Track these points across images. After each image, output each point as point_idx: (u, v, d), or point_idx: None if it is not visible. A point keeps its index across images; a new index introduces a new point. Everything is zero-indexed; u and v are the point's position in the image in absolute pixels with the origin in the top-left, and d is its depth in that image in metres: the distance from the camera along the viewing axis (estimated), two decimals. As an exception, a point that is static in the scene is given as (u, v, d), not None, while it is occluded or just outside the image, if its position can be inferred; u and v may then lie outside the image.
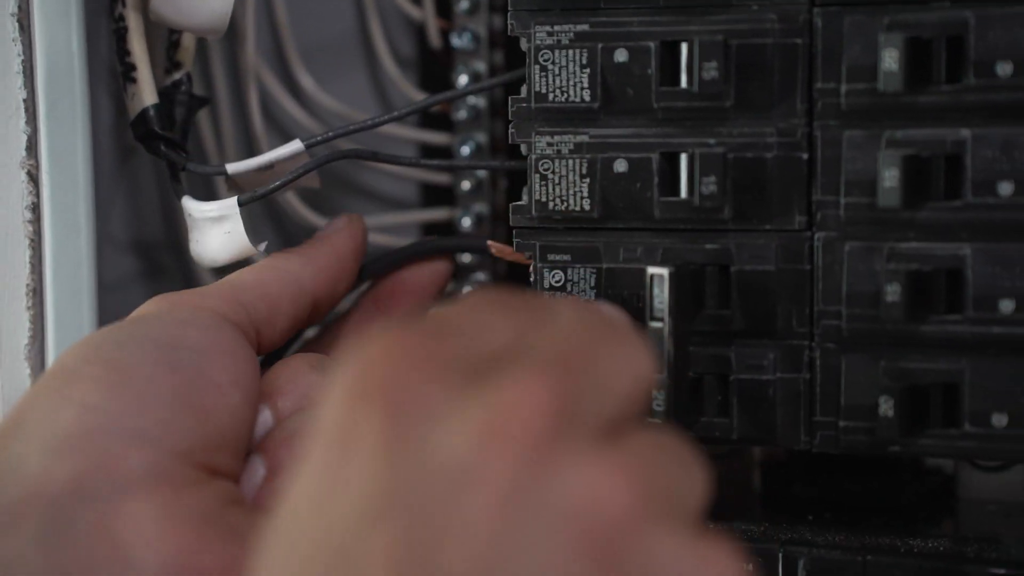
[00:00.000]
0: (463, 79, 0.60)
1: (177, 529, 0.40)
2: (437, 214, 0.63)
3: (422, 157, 0.63)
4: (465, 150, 0.60)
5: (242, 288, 0.49)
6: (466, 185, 0.61)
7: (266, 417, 0.46)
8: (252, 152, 0.63)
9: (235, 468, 0.44)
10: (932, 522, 0.53)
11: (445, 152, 0.62)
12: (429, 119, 0.63)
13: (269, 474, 0.44)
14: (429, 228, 0.64)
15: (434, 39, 0.62)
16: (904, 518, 0.53)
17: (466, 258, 0.61)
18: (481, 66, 0.60)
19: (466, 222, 0.61)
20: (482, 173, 0.61)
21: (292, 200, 0.61)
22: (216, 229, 0.51)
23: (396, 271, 0.55)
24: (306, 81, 0.63)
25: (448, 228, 0.62)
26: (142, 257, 0.61)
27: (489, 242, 0.53)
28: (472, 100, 0.60)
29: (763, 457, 0.60)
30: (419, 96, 0.62)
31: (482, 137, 0.61)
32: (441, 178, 0.62)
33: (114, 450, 0.40)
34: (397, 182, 0.65)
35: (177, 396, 0.42)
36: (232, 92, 0.63)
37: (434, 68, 0.63)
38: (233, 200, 0.51)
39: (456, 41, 0.60)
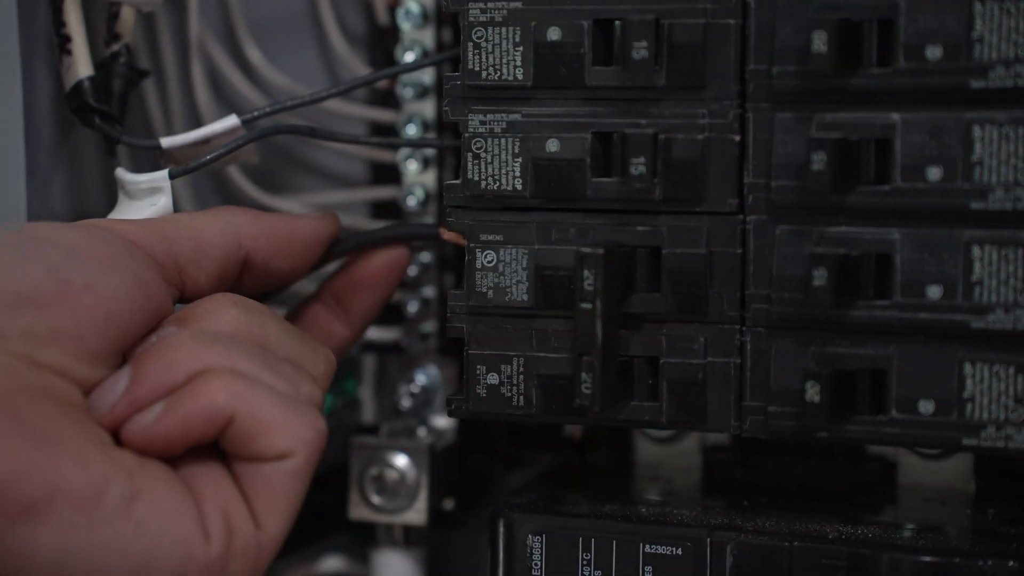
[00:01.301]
0: (408, 56, 0.60)
1: None
2: (383, 192, 0.62)
3: (371, 135, 0.62)
4: (411, 128, 0.60)
5: (171, 224, 0.48)
6: (412, 164, 0.60)
7: None
8: (198, 126, 0.62)
9: (75, 368, 0.43)
10: (871, 509, 0.53)
11: (392, 130, 0.61)
12: (377, 96, 0.62)
13: (132, 382, 0.43)
14: (376, 207, 0.63)
15: (381, 15, 0.61)
16: (843, 505, 0.53)
17: None
18: (428, 43, 0.60)
19: (411, 201, 0.60)
20: (429, 151, 0.60)
21: (236, 176, 0.61)
22: (146, 201, 0.51)
23: (351, 260, 0.55)
24: (254, 56, 0.63)
25: (395, 207, 0.62)
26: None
27: (441, 229, 0.53)
28: (418, 77, 0.60)
29: (707, 442, 0.59)
30: (367, 72, 0.62)
31: (428, 115, 0.60)
32: (388, 156, 0.62)
33: None
34: (344, 160, 0.64)
35: (7, 285, 0.42)
36: (179, 65, 0.63)
37: (384, 45, 0.62)
38: (164, 173, 0.51)
39: (402, 17, 0.60)
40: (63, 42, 0.53)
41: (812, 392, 0.46)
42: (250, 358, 0.45)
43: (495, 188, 0.49)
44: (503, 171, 0.49)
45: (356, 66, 0.62)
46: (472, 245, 0.50)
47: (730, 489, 0.56)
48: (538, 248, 0.49)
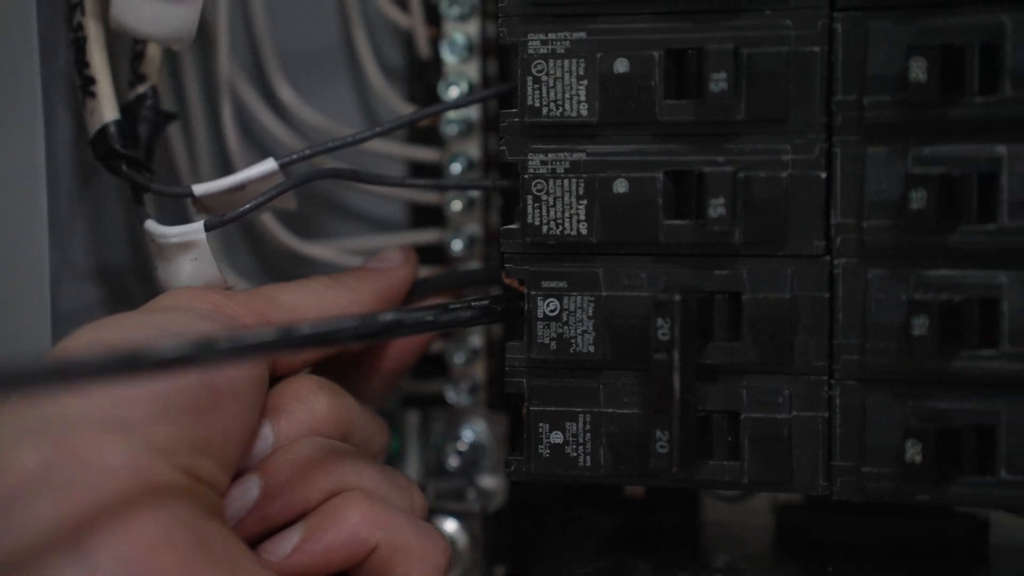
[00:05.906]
0: (453, 90, 0.56)
1: (140, 529, 0.36)
2: (427, 236, 0.58)
3: (411, 174, 0.58)
4: (456, 167, 0.56)
5: (274, 306, 0.46)
6: (457, 205, 0.56)
7: (267, 434, 0.44)
8: (228, 171, 0.58)
9: (220, 479, 0.41)
10: (986, 570, 0.49)
11: (435, 170, 0.58)
12: (418, 134, 0.58)
13: (263, 496, 0.42)
14: (419, 251, 0.59)
15: (423, 48, 0.57)
16: (940, 567, 0.49)
17: None
18: (473, 76, 0.56)
19: (457, 245, 0.56)
20: (475, 192, 0.57)
21: (269, 222, 0.57)
22: (183, 256, 0.47)
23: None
24: (286, 94, 0.59)
25: (439, 251, 0.58)
26: (105, 284, 0.56)
27: (504, 275, 0.49)
28: (463, 113, 0.56)
29: (778, 501, 0.55)
30: (407, 109, 0.58)
31: (475, 152, 0.56)
32: (430, 197, 0.58)
33: (91, 439, 0.37)
34: (384, 202, 0.60)
35: (170, 393, 0.39)
36: (206, 106, 0.59)
37: (424, 79, 0.58)
38: (199, 224, 0.47)
39: (446, 50, 0.56)
40: (86, 84, 0.49)
41: (913, 452, 0.42)
42: (374, 472, 0.44)
43: (558, 232, 0.45)
44: (566, 214, 0.45)
45: (395, 102, 0.58)
46: (533, 293, 0.46)
47: (822, 552, 0.52)
48: (606, 295, 0.45)
